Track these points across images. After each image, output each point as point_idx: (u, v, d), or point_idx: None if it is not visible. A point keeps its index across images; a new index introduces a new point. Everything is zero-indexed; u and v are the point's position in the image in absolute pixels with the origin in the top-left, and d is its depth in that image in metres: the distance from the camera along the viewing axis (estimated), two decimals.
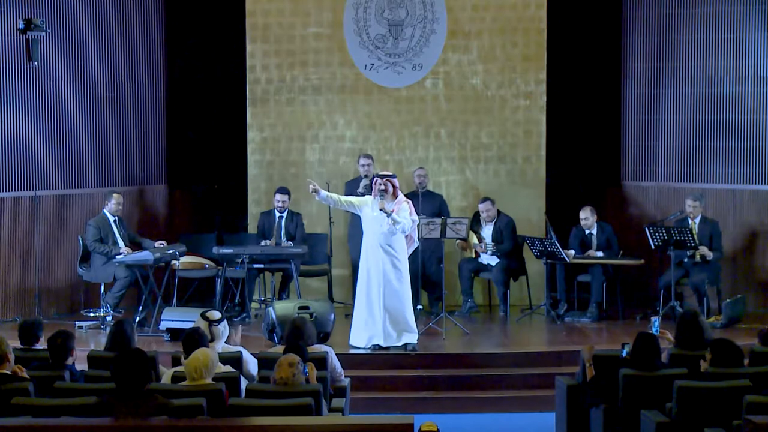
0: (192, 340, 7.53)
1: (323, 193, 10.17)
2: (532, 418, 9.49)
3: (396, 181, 10.26)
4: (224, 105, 13.23)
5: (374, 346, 10.21)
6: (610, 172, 13.30)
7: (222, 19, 13.16)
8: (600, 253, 11.97)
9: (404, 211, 10.17)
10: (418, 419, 6.26)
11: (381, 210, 10.06)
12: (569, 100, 13.15)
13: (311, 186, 10.13)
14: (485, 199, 12.21)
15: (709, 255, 11.56)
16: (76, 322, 11.31)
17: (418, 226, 10.55)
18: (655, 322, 8.59)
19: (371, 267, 10.21)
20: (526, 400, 9.77)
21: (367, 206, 10.27)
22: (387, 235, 10.15)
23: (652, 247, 11.64)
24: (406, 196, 10.66)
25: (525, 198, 12.73)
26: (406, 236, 10.31)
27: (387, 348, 10.21)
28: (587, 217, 12.07)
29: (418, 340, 10.32)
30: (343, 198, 10.39)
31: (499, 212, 12.24)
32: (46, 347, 7.72)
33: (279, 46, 12.71)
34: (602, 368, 7.84)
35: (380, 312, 10.18)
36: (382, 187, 10.13)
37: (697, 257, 11.61)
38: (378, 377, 9.94)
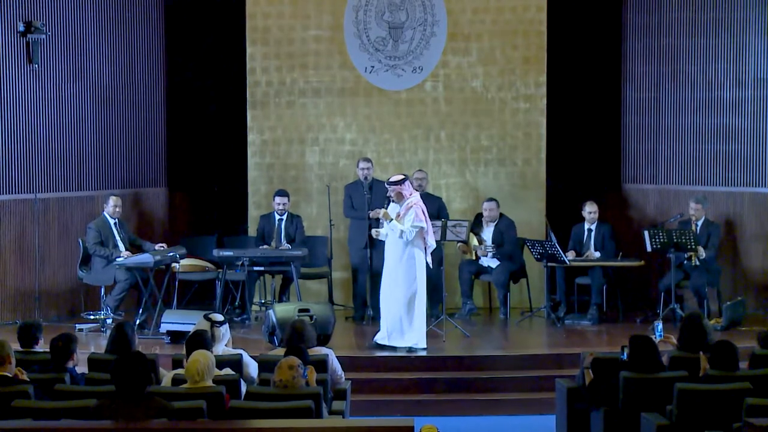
0: (196, 342, 7.52)
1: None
2: (532, 420, 9.48)
3: (400, 187, 10.29)
4: (224, 107, 13.22)
5: (375, 343, 10.34)
6: (611, 175, 13.29)
7: (222, 21, 13.15)
8: (597, 254, 11.97)
9: (408, 216, 10.21)
10: (418, 422, 6.27)
11: (381, 218, 10.33)
12: (569, 102, 13.14)
13: None
14: (491, 199, 12.22)
15: (702, 254, 11.52)
16: (77, 325, 11.31)
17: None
18: (658, 326, 8.52)
19: (387, 269, 10.38)
20: (526, 402, 9.77)
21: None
22: (401, 239, 10.23)
23: (649, 249, 11.62)
24: None
25: (525, 200, 12.72)
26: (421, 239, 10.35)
27: (394, 348, 10.28)
28: (593, 211, 12.05)
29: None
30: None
31: (500, 214, 12.24)
32: (45, 350, 7.71)
33: (279, 49, 12.71)
34: (602, 371, 7.83)
35: (387, 312, 10.33)
36: (390, 194, 10.32)
37: (694, 261, 11.59)
38: (378, 380, 9.94)
